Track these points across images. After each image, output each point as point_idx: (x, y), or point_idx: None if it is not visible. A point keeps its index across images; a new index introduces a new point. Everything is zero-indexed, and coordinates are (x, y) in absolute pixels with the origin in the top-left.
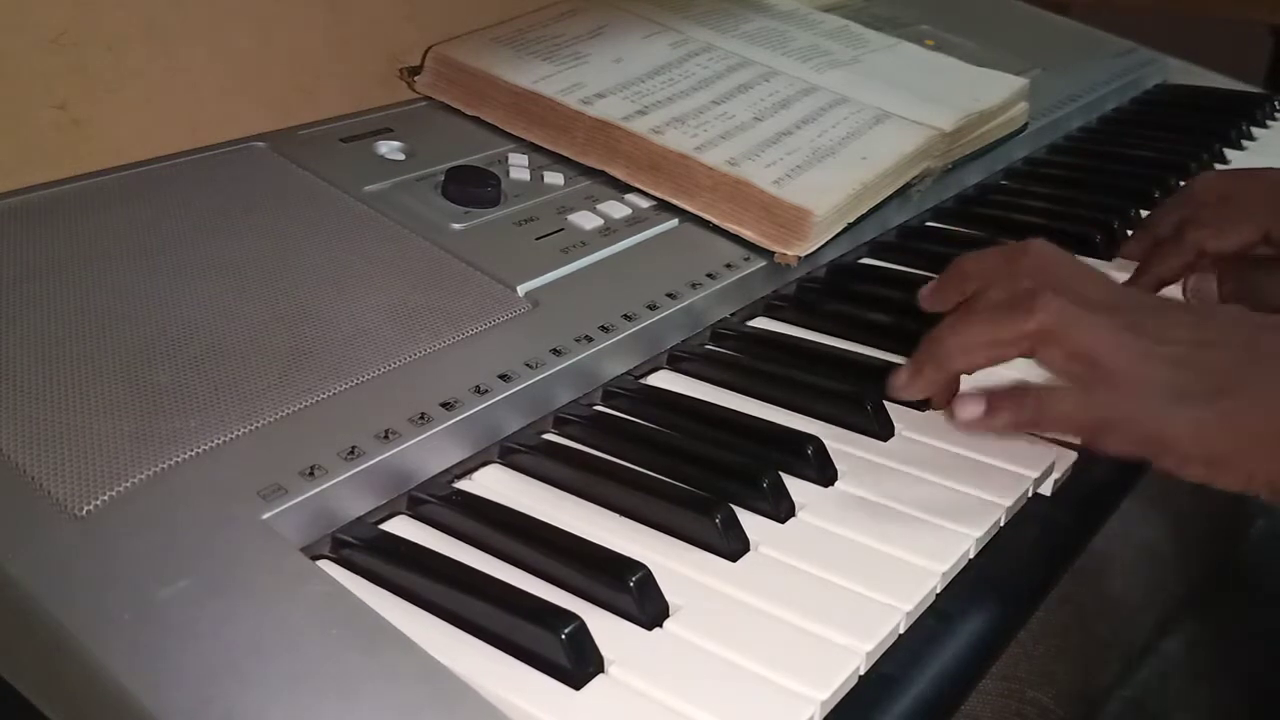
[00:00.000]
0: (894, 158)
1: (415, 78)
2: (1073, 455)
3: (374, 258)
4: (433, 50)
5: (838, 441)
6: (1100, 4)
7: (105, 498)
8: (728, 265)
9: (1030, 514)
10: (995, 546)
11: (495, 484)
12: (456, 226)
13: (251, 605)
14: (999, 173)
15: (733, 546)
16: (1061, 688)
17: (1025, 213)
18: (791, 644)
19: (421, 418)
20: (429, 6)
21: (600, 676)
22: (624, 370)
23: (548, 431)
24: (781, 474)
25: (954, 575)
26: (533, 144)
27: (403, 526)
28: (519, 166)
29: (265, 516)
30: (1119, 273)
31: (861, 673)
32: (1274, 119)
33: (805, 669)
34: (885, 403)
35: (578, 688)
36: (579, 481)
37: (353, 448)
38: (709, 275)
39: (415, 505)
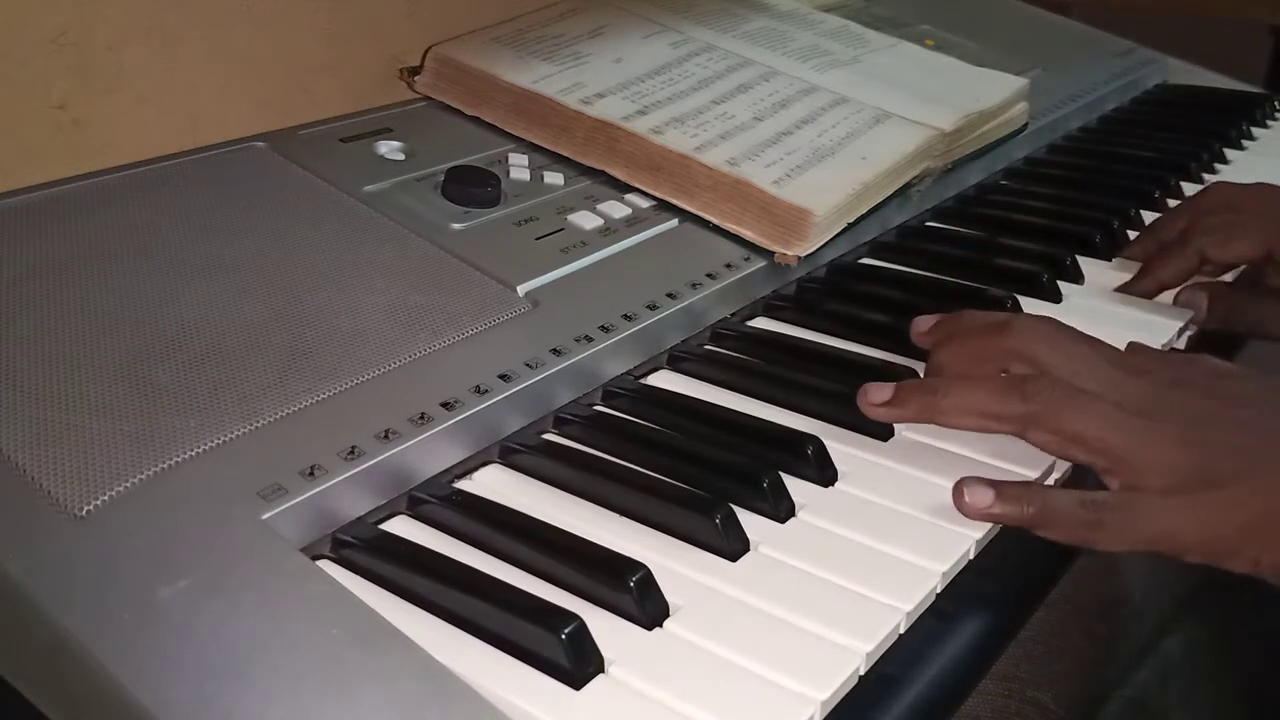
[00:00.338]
0: (894, 158)
1: (415, 78)
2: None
3: (374, 258)
4: (433, 50)
5: (838, 441)
6: (1100, 4)
7: (105, 498)
8: (728, 265)
9: None
10: (995, 547)
11: (495, 484)
12: (456, 226)
13: (251, 605)
14: (999, 173)
15: (733, 546)
16: (1061, 688)
17: (1025, 213)
18: (791, 644)
19: (421, 418)
20: (429, 6)
21: (600, 676)
22: (624, 370)
23: (548, 431)
24: (781, 474)
25: (954, 575)
26: (533, 144)
27: (403, 526)
28: (519, 166)
29: (265, 516)
30: (1120, 272)
31: (861, 673)
32: (1274, 119)
33: (805, 669)
34: None
35: (578, 688)
36: (579, 481)
37: (353, 448)
38: (709, 275)
39: (415, 505)
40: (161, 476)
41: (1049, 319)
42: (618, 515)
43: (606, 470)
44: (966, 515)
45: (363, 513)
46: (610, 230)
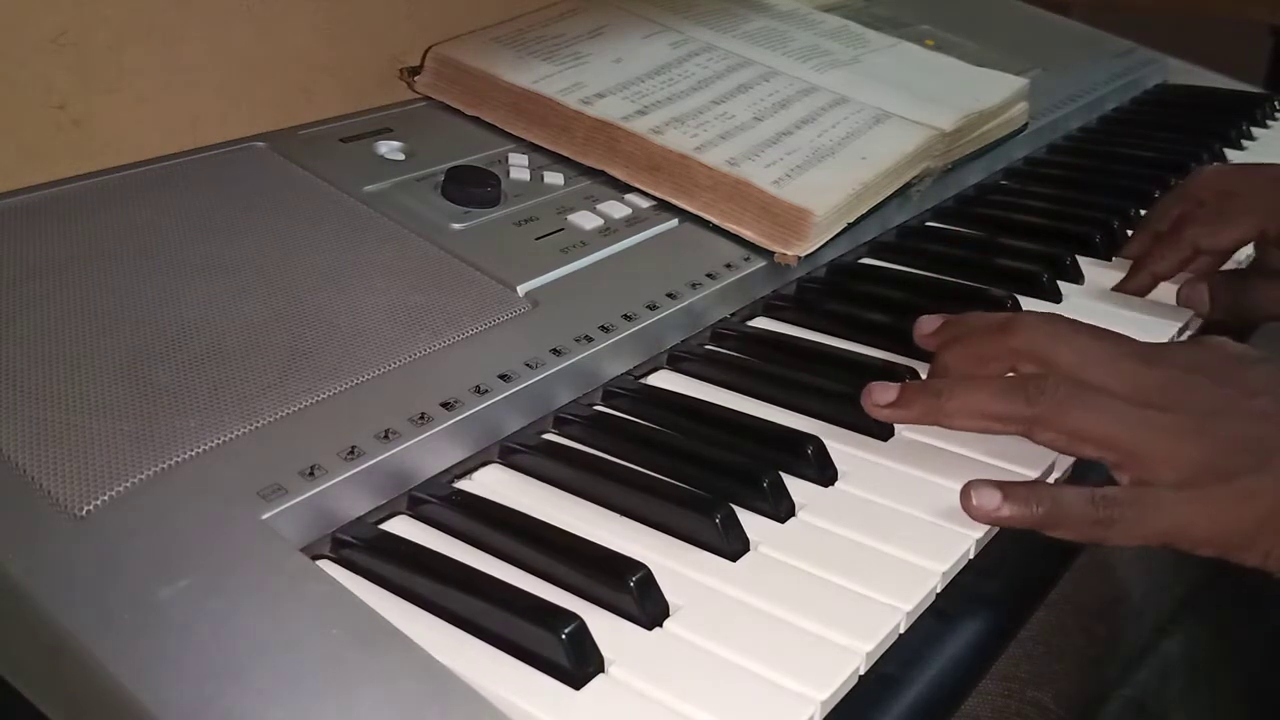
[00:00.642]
0: (894, 158)
1: (415, 78)
2: (1072, 456)
3: (374, 258)
4: (433, 50)
5: (838, 441)
6: (1100, 4)
7: (105, 498)
8: (728, 265)
9: None
10: (995, 547)
11: (495, 484)
12: (456, 226)
13: (251, 605)
14: (999, 173)
15: (733, 546)
16: (1061, 688)
17: (1025, 213)
18: (791, 644)
19: (421, 418)
20: (429, 6)
21: (600, 676)
22: (624, 370)
23: (548, 431)
24: (781, 474)
25: (954, 575)
26: (533, 144)
27: (403, 526)
28: (519, 166)
29: (265, 516)
30: (1120, 272)
31: (861, 673)
32: (1274, 119)
33: (805, 669)
34: None
35: (578, 688)
36: (579, 481)
37: (353, 448)
38: (709, 275)
39: (415, 505)
40: (161, 476)
41: (1054, 315)
42: (618, 515)
43: (606, 470)
44: (975, 519)
45: (363, 513)
46: (610, 230)
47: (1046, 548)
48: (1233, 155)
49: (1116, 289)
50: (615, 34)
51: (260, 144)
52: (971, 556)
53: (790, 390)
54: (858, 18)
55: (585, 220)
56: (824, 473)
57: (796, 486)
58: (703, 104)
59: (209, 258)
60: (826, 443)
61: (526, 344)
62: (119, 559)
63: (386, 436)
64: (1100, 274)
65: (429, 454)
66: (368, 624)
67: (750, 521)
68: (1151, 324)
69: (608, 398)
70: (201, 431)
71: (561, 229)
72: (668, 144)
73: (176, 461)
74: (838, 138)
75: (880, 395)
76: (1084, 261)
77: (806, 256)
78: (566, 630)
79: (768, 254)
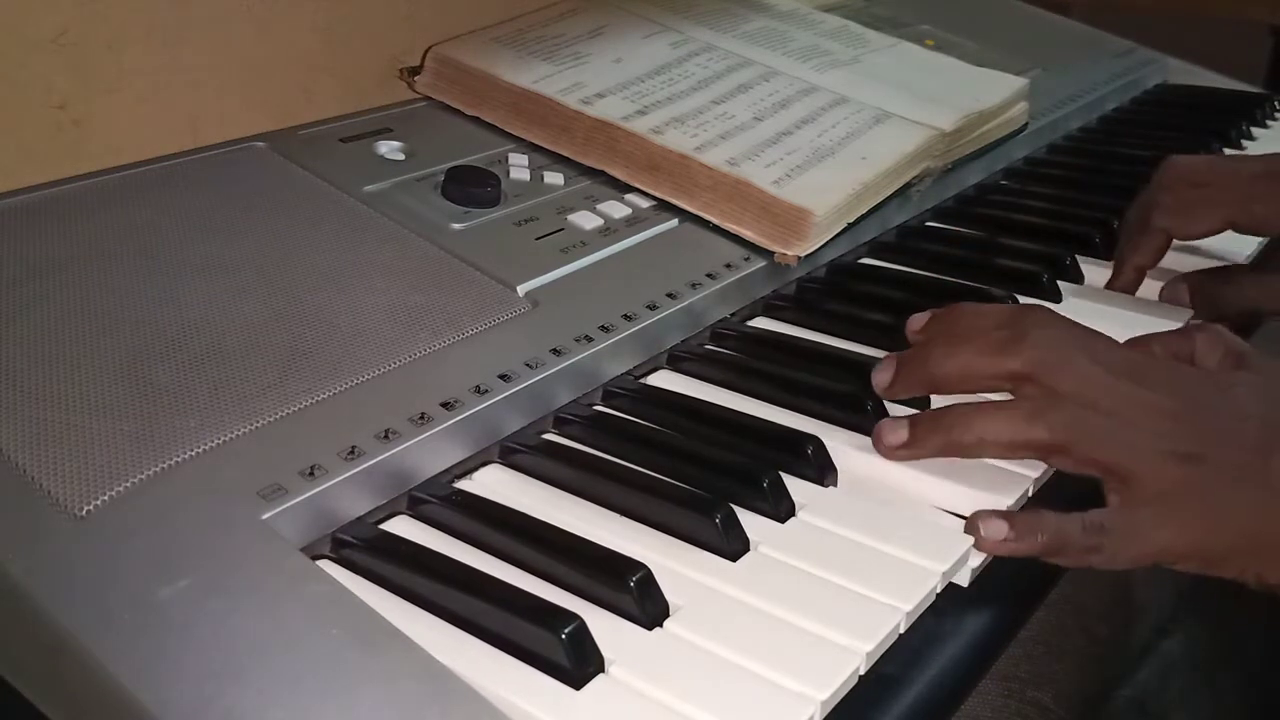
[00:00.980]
0: (894, 158)
1: (415, 78)
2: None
3: (374, 258)
4: (433, 50)
5: (838, 441)
6: (1100, 4)
7: (105, 498)
8: (728, 265)
9: None
10: None
11: (495, 484)
12: (456, 226)
13: (251, 605)
14: (999, 173)
15: (733, 546)
16: (1061, 688)
17: (1025, 213)
18: (791, 644)
19: (421, 418)
20: (429, 6)
21: (600, 676)
22: (624, 370)
23: (548, 431)
24: (781, 474)
25: (954, 575)
26: (533, 144)
27: (403, 526)
28: (519, 166)
29: (265, 516)
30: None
31: (861, 673)
32: (1274, 119)
33: (805, 669)
34: (885, 402)
35: (578, 688)
36: (579, 481)
37: (353, 448)
38: (709, 275)
39: (415, 505)
40: (161, 476)
41: (1050, 330)
42: (618, 515)
43: (606, 470)
44: (982, 550)
45: (363, 513)
46: (610, 230)
47: None
48: (1229, 154)
49: (1106, 287)
50: (615, 34)
51: (260, 144)
52: (971, 559)
53: (790, 390)
54: (858, 18)
55: (585, 220)
56: (824, 473)
57: (796, 486)
58: (703, 104)
59: (209, 258)
60: (826, 443)
61: (526, 344)
62: (119, 559)
63: (386, 436)
64: (1100, 274)
65: (429, 454)
66: (368, 624)
67: (750, 521)
68: (1151, 325)
69: (608, 398)
70: (201, 431)
71: (561, 229)
72: (668, 144)
73: (176, 461)
74: (838, 138)
75: (891, 437)
76: (1084, 261)
77: (806, 256)
78: (566, 630)
79: (768, 254)
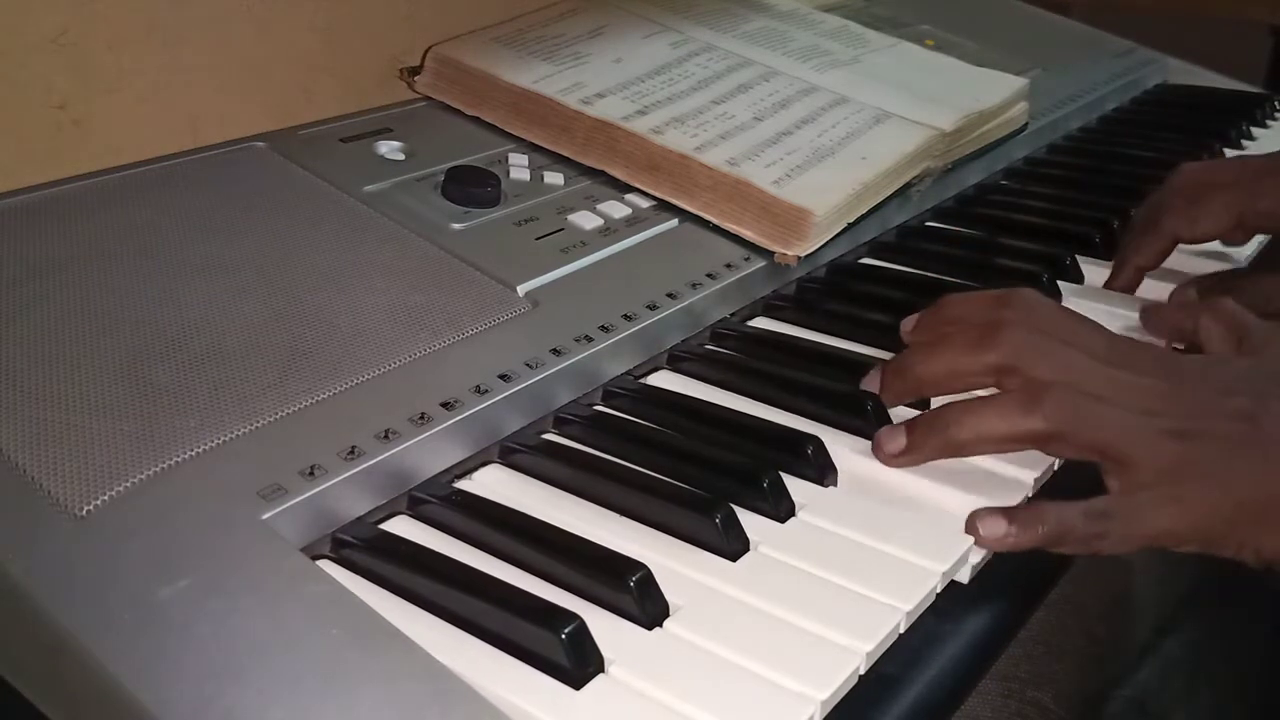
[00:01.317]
0: (894, 158)
1: (415, 78)
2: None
3: (374, 258)
4: (433, 50)
5: (838, 442)
6: (1100, 4)
7: (105, 498)
8: (728, 265)
9: None
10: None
11: (495, 484)
12: (456, 226)
13: (251, 605)
14: (999, 173)
15: (733, 546)
16: (1061, 688)
17: (1025, 213)
18: (791, 644)
19: (421, 418)
20: (429, 6)
21: (600, 676)
22: (624, 370)
23: (548, 431)
24: (781, 474)
25: (954, 575)
26: (533, 144)
27: (403, 526)
28: (519, 166)
29: (265, 516)
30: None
31: (861, 673)
32: (1274, 119)
33: (805, 669)
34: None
35: (578, 688)
36: (579, 481)
37: (353, 448)
38: (709, 275)
39: (415, 505)
40: (161, 476)
41: (1031, 319)
42: (618, 515)
43: (606, 470)
44: (984, 547)
45: (363, 513)
46: (610, 230)
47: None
48: (1232, 155)
49: (1105, 286)
50: (615, 34)
51: (260, 144)
52: (972, 559)
53: (790, 390)
54: (858, 18)
55: (585, 220)
56: (824, 473)
57: (796, 486)
58: (703, 104)
59: (209, 258)
60: (826, 443)
61: (526, 344)
62: (119, 559)
63: (386, 436)
64: (1100, 274)
65: (429, 454)
66: (368, 624)
67: (750, 521)
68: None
69: (608, 398)
70: (201, 431)
71: (561, 229)
72: (668, 144)
73: (176, 461)
74: (838, 138)
75: (890, 445)
76: (1084, 261)
77: (806, 256)
78: (566, 630)
79: (768, 254)
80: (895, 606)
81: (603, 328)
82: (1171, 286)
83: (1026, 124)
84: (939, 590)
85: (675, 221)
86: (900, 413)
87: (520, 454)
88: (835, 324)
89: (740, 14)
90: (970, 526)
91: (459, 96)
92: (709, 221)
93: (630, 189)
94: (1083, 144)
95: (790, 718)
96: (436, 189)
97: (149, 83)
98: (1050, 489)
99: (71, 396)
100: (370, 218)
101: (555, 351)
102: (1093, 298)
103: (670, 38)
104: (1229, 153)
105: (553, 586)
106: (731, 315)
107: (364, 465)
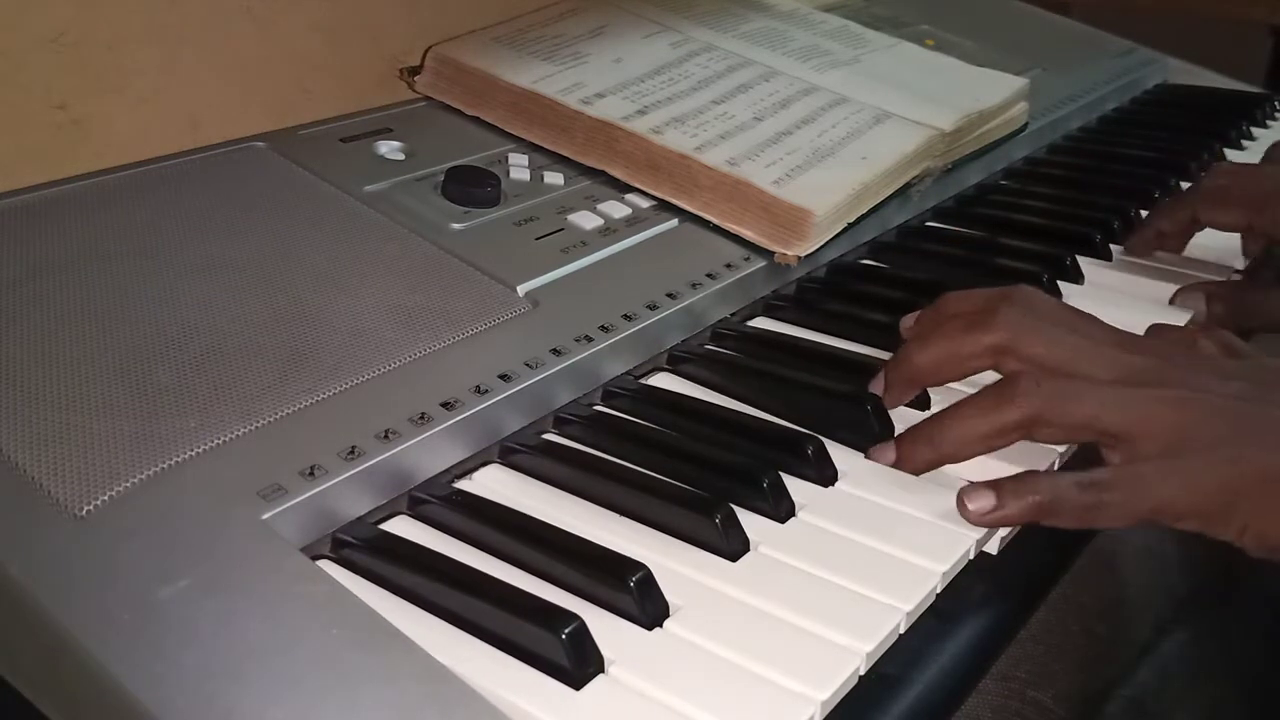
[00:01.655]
0: (894, 158)
1: (415, 78)
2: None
3: (374, 258)
4: (433, 50)
5: (838, 441)
6: (1100, 4)
7: (105, 498)
8: (728, 265)
9: None
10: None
11: (495, 484)
12: (456, 226)
13: (252, 605)
14: (999, 173)
15: (733, 546)
16: (1061, 688)
17: (1025, 213)
18: (791, 644)
19: (421, 418)
20: (429, 6)
21: (600, 676)
22: (624, 370)
23: (548, 431)
24: (781, 474)
25: (954, 575)
26: (533, 144)
27: (403, 526)
28: (519, 166)
29: (265, 516)
30: (1120, 272)
31: (861, 673)
32: (1274, 119)
33: (805, 669)
34: (885, 404)
35: (578, 688)
36: (579, 481)
37: (353, 448)
38: (709, 275)
39: (415, 505)
40: (161, 476)
41: (1030, 300)
42: (618, 515)
43: (606, 470)
44: (974, 524)
45: (363, 513)
46: (610, 230)
47: (1046, 547)
48: (1232, 155)
49: (1122, 247)
50: (615, 34)
51: (260, 144)
52: (972, 556)
53: (790, 390)
54: (858, 18)
55: (585, 220)
56: (824, 473)
57: (796, 486)
58: (703, 104)
59: (209, 258)
60: (826, 443)
61: (526, 344)
62: (119, 559)
63: (386, 436)
64: (1100, 274)
65: (429, 454)
66: (368, 624)
67: (750, 521)
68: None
69: (608, 398)
70: (201, 431)
71: (561, 229)
72: (668, 144)
73: (176, 461)
74: (838, 138)
75: (881, 458)
76: (1084, 261)
77: (806, 256)
78: (566, 630)
79: (768, 254)
80: (895, 606)
81: (603, 328)
82: (1173, 287)
83: (1026, 124)
84: (939, 590)
85: (675, 221)
86: (900, 414)
87: (520, 454)
88: (835, 324)
89: (740, 14)
90: (959, 504)
91: (459, 96)
92: (709, 221)
93: (630, 189)
94: (1083, 144)
95: (790, 718)
96: (436, 189)
97: (149, 83)
98: None
99: (71, 396)
100: (370, 218)
101: (555, 351)
102: (1093, 298)
103: (670, 38)
104: (1229, 153)
105: (553, 586)
106: (731, 315)
107: (364, 465)
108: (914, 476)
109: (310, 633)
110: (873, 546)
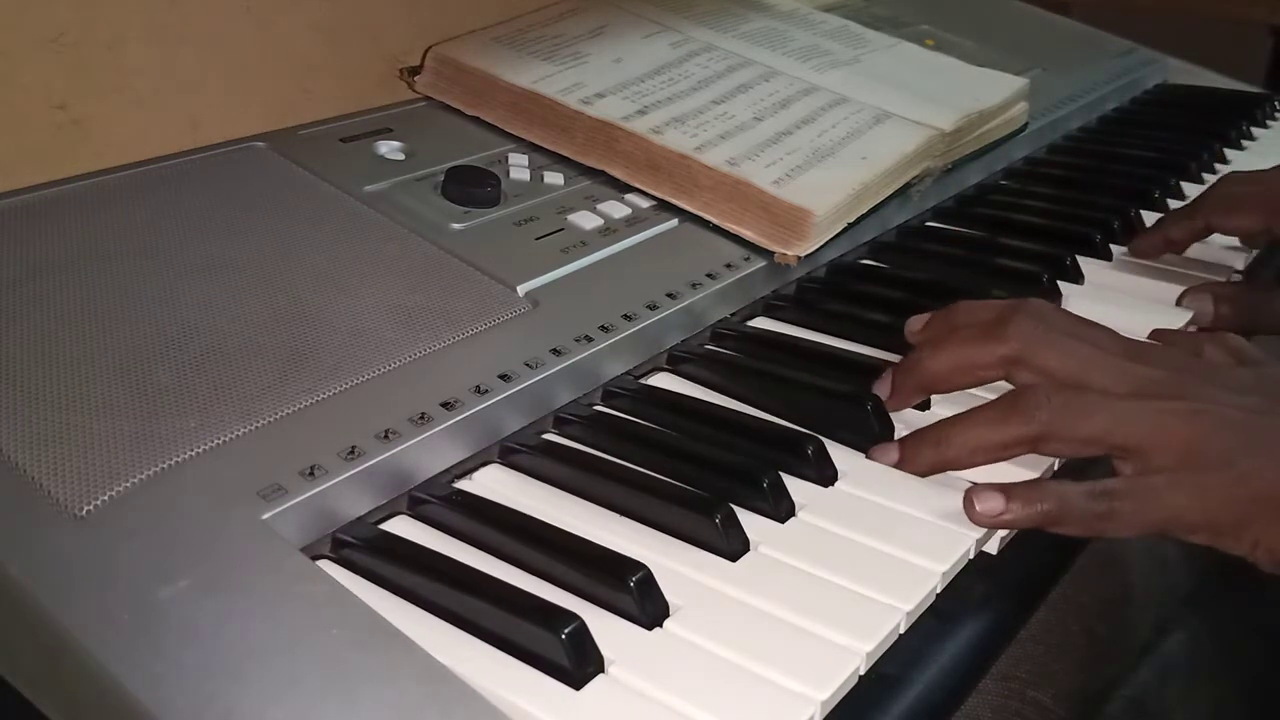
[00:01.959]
0: (894, 158)
1: (415, 78)
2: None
3: (374, 258)
4: (433, 50)
5: (838, 442)
6: (1100, 4)
7: (105, 498)
8: (728, 265)
9: None
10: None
11: (495, 484)
12: (456, 226)
13: (252, 605)
14: (999, 173)
15: (733, 546)
16: (1061, 688)
17: (1025, 213)
18: (791, 644)
19: (421, 418)
20: (429, 6)
21: (600, 676)
22: (624, 370)
23: (548, 431)
24: (781, 474)
25: (954, 575)
26: (533, 144)
27: (403, 526)
28: (519, 166)
29: (265, 516)
30: (1121, 273)
31: (861, 673)
32: (1274, 119)
33: (805, 669)
34: (885, 404)
35: (578, 688)
36: (579, 481)
37: (353, 448)
38: (709, 275)
39: (415, 505)
40: (161, 476)
41: (1042, 311)
42: (618, 515)
43: (606, 470)
44: (980, 525)
45: (363, 513)
46: (610, 230)
47: (1046, 547)
48: (1233, 155)
49: (1127, 248)
50: (615, 34)
51: (260, 144)
52: (971, 556)
53: (790, 390)
54: (858, 18)
55: (585, 220)
56: (824, 473)
57: (796, 486)
58: (703, 104)
59: (209, 258)
60: (826, 443)
61: (526, 344)
62: (119, 559)
63: (386, 436)
64: (1100, 274)
65: (429, 454)
66: (368, 624)
67: (750, 521)
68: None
69: (608, 398)
70: (201, 431)
71: (561, 229)
72: (668, 144)
73: (176, 461)
74: (838, 138)
75: (883, 458)
76: (1084, 261)
77: (806, 256)
78: (566, 630)
79: (768, 254)
80: (895, 606)
81: (603, 328)
82: (1173, 287)
83: (1026, 124)
84: (939, 590)
85: (675, 221)
86: (900, 414)
87: (520, 454)
88: (835, 324)
89: (740, 14)
90: (966, 502)
91: (459, 96)
92: (709, 221)
93: (630, 189)
94: (1083, 144)
95: (790, 718)
96: (436, 189)
97: (149, 83)
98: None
99: (71, 396)
100: (370, 218)
101: (555, 351)
102: (1093, 298)
103: (670, 38)
104: (1229, 152)
105: (553, 586)
106: (731, 315)
107: (364, 465)
108: (914, 477)
109: (310, 633)
110: (873, 546)
